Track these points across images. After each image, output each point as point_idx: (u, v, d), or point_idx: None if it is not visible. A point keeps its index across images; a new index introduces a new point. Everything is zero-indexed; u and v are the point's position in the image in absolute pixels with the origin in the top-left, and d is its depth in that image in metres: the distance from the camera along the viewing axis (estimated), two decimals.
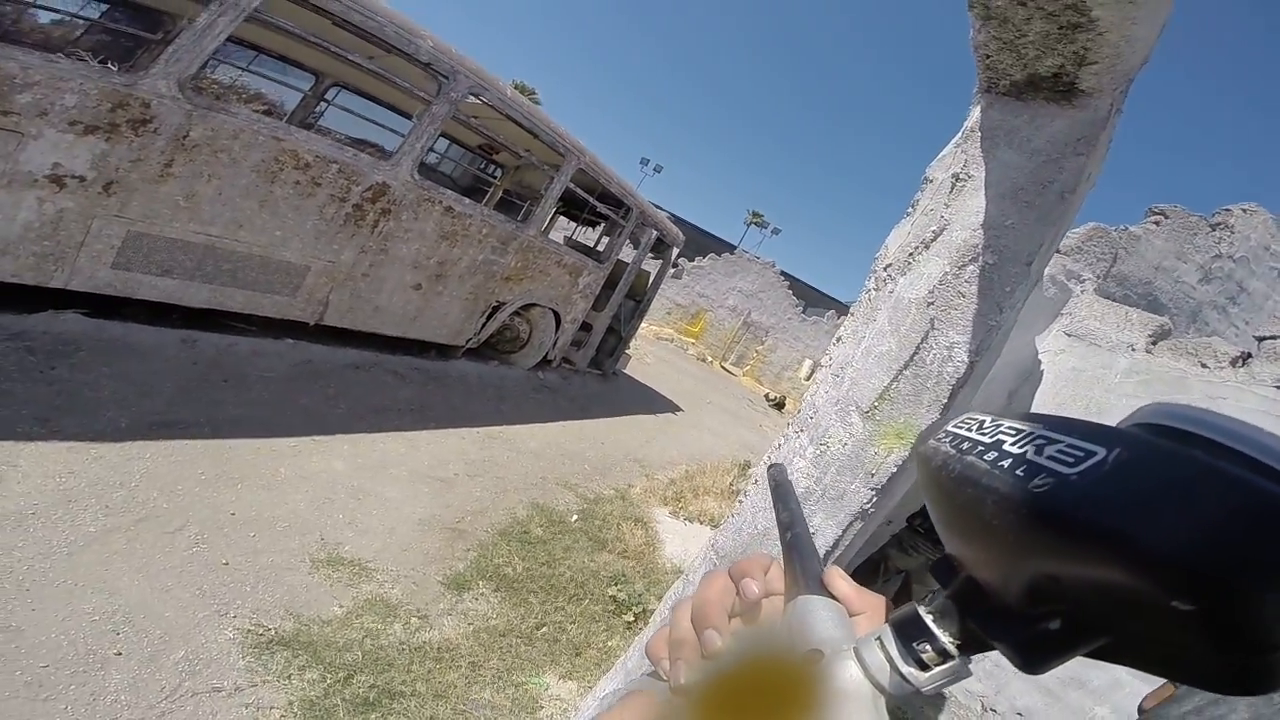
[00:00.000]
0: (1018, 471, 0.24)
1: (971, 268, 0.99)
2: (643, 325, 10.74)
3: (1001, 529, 0.24)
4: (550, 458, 4.39)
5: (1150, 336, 3.73)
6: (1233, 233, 5.27)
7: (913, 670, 0.26)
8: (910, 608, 0.28)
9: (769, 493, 1.41)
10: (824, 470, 1.12)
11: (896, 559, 3.20)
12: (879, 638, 0.27)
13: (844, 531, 1.10)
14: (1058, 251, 4.33)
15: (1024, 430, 0.26)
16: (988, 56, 0.95)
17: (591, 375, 7.45)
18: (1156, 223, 5.13)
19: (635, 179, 59.42)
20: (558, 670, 2.33)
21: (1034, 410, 4.00)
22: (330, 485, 2.82)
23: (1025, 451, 0.24)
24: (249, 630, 1.90)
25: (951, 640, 0.26)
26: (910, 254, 1.09)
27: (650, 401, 8.05)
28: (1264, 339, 3.28)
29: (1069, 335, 3.98)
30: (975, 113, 1.05)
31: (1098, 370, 3.79)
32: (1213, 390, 3.34)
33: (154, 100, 2.84)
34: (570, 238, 8.43)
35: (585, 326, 6.89)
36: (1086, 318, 3.96)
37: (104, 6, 4.31)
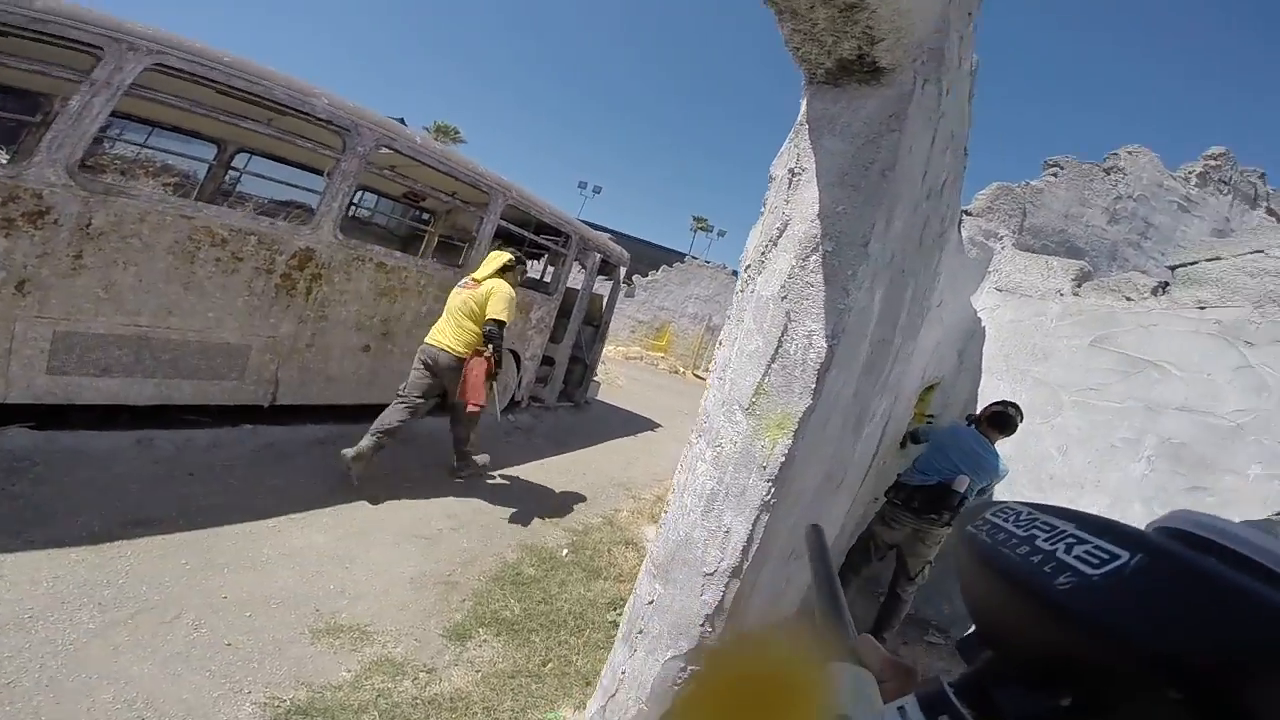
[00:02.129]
0: (1046, 568, 0.26)
1: (814, 258, 1.01)
2: (608, 347, 10.74)
3: (1026, 617, 0.27)
4: (533, 498, 4.33)
5: (1074, 280, 3.86)
6: (1125, 175, 5.53)
7: None
8: (936, 682, 0.30)
9: (695, 504, 1.43)
10: (723, 470, 1.13)
11: (883, 534, 3.25)
12: (902, 707, 0.29)
13: (754, 526, 1.11)
14: (968, 214, 4.48)
15: (1056, 528, 0.29)
16: (797, 49, 0.98)
17: (564, 408, 7.40)
18: (1054, 174, 5.35)
19: (576, 203, 59.69)
20: (571, 702, 2.31)
21: (985, 366, 4.08)
22: (316, 558, 2.80)
23: (1055, 549, 0.27)
24: (265, 704, 1.92)
25: (971, 712, 0.28)
26: (763, 253, 1.11)
27: (627, 423, 8.01)
28: (1176, 267, 3.42)
29: (1000, 290, 4.10)
30: (803, 105, 1.08)
31: (1033, 318, 3.91)
32: (1142, 320, 3.47)
33: (45, 190, 2.76)
34: None
35: (548, 360, 6.85)
36: (1012, 272, 4.08)
37: None
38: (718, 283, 18.21)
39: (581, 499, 4.60)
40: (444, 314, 3.85)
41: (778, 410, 1.06)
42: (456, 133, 39.36)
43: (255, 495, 3.18)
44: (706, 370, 17.72)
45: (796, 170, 1.07)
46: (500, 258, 3.91)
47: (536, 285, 7.05)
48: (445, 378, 3.73)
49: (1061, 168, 5.38)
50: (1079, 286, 3.88)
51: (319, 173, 5.43)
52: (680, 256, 20.86)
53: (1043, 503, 0.31)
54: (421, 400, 3.72)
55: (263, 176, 5.41)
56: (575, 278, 7.27)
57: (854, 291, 1.00)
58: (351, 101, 4.00)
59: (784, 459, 1.06)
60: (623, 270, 7.77)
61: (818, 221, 1.01)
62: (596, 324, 7.76)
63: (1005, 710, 0.27)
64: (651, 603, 1.35)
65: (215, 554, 2.61)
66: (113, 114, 3.05)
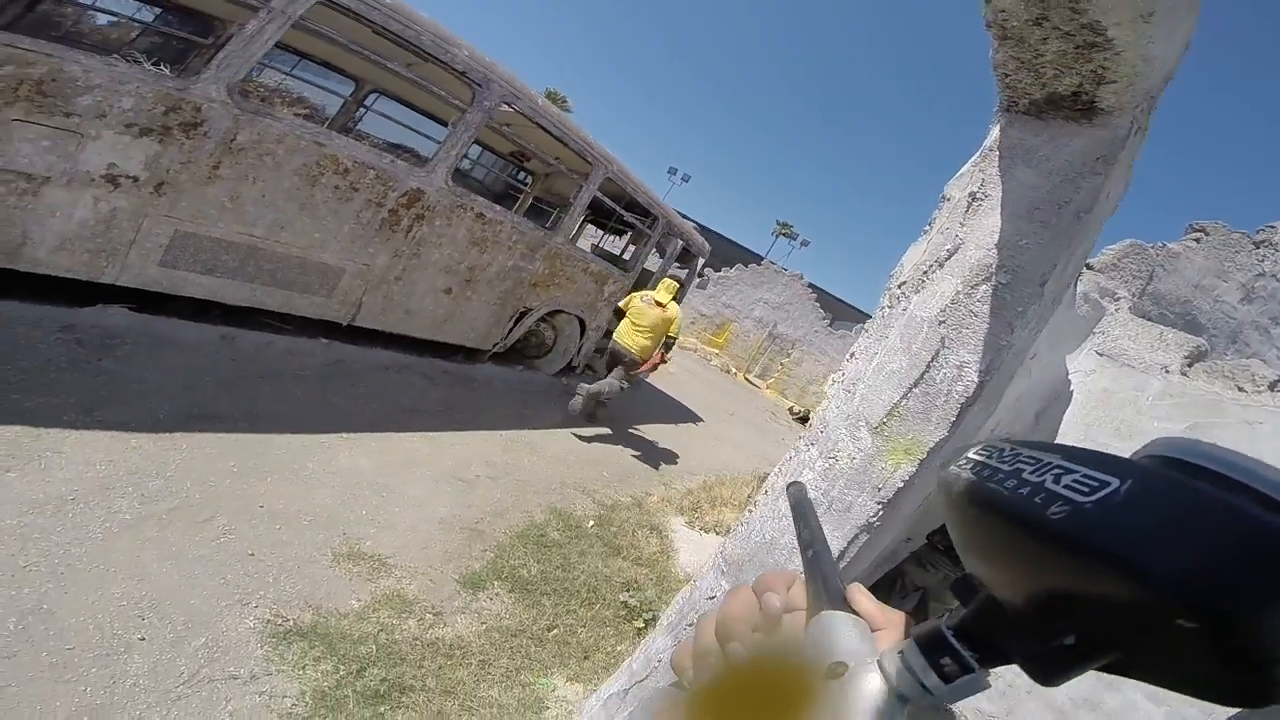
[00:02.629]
0: (1036, 499, 0.25)
1: (984, 287, 0.99)
2: None
3: (1020, 552, 0.26)
4: (570, 464, 4.41)
5: (1186, 358, 3.59)
6: (1277, 250, 5.02)
7: (935, 682, 0.27)
8: (934, 624, 0.29)
9: (788, 509, 1.42)
10: (832, 483, 1.13)
11: (914, 575, 3.16)
12: (902, 651, 0.28)
13: (849, 544, 1.11)
14: (1090, 269, 4.21)
15: (1042, 460, 0.28)
16: (1007, 75, 0.95)
17: None
18: (1197, 240, 4.91)
19: (663, 188, 59.58)
20: (566, 672, 2.34)
21: (1061, 433, 3.89)
22: (356, 482, 2.88)
23: (1044, 480, 0.26)
24: (269, 620, 1.94)
25: (972, 654, 0.27)
26: (925, 272, 1.09)
27: (673, 411, 8.02)
28: None
29: (1101, 355, 3.86)
30: (995, 131, 1.05)
31: (1129, 392, 3.66)
32: (1249, 415, 3.19)
33: (205, 104, 2.97)
34: (597, 245, 8.52)
35: (609, 334, 6.92)
36: (1120, 337, 3.83)
37: (155, 10, 4.48)
38: (791, 291, 17.81)
39: (616, 475, 4.65)
40: (629, 321, 5.20)
41: (909, 435, 1.04)
42: (565, 101, 39.96)
43: (316, 409, 3.32)
44: (760, 377, 17.51)
45: (979, 195, 1.04)
46: (673, 285, 5.28)
47: (615, 260, 7.10)
48: (625, 365, 5.23)
49: (1206, 233, 4.93)
50: (1189, 365, 3.60)
51: (437, 119, 5.63)
52: (757, 258, 20.54)
53: (1026, 439, 0.30)
54: (626, 382, 5.37)
55: (386, 116, 5.64)
56: (654, 260, 7.30)
57: (1019, 329, 0.97)
58: (488, 56, 4.12)
59: (902, 485, 1.04)
60: (700, 261, 7.73)
61: (995, 251, 0.99)
62: None
63: (1007, 651, 0.27)
64: (713, 598, 1.36)
65: (264, 460, 2.69)
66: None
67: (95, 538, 1.92)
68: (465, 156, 7.32)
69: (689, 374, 11.97)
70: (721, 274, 18.17)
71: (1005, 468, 0.28)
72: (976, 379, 0.98)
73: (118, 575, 1.84)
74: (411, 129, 5.46)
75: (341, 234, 3.82)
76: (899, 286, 1.13)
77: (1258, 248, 5.03)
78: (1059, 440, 3.87)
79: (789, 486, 0.47)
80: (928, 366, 1.03)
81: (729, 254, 21.14)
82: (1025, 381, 3.49)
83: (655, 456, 5.65)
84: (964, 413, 1.00)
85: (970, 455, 0.31)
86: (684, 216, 7.33)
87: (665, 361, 5.53)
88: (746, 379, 16.92)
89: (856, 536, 1.10)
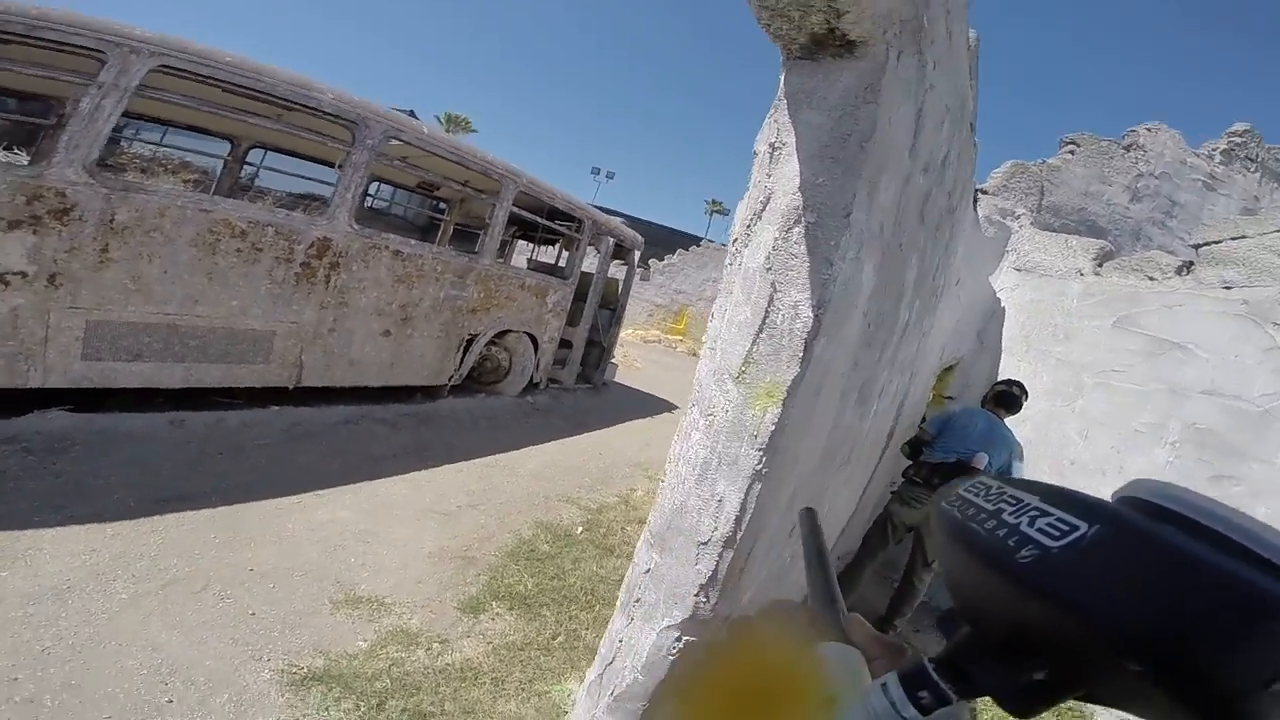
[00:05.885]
0: (1010, 541, 0.27)
1: (797, 229, 1.04)
2: (627, 331, 10.82)
3: (993, 591, 0.27)
4: (550, 476, 4.42)
5: (1095, 259, 3.77)
6: (1146, 152, 5.32)
7: (914, 715, 0.28)
8: (917, 658, 0.31)
9: (694, 476, 1.46)
10: (715, 439, 1.17)
11: (902, 515, 3.23)
12: (885, 684, 0.30)
13: (746, 495, 1.15)
14: (984, 192, 4.39)
15: (1023, 501, 0.29)
16: (768, 25, 1.00)
17: (582, 390, 7.49)
18: (1071, 152, 5.17)
19: (589, 189, 59.50)
20: (578, 676, 2.36)
21: (1006, 347, 4.03)
22: (339, 533, 2.90)
23: (1019, 523, 0.27)
24: (284, 670, 2.00)
25: (950, 686, 0.29)
26: (748, 225, 1.14)
27: (644, 405, 8.06)
28: (1200, 245, 3.32)
29: (1019, 270, 4.03)
30: (781, 81, 1.10)
31: (1054, 298, 3.83)
32: (1167, 299, 3.37)
33: (68, 188, 2.87)
34: (533, 258, 8.52)
35: (565, 344, 6.93)
36: (1031, 251, 4.00)
37: None
38: None
39: (597, 479, 4.67)
40: None
41: (767, 379, 1.09)
42: (467, 123, 39.96)
43: (283, 473, 3.30)
44: None
45: (777, 145, 1.09)
46: None
47: (552, 270, 7.11)
48: None
49: (1078, 145, 5.19)
50: (1100, 266, 3.79)
51: (330, 165, 5.54)
52: (696, 240, 20.77)
53: (1016, 477, 0.32)
54: None
55: (280, 171, 5.54)
56: (590, 262, 7.32)
57: (838, 262, 1.02)
58: (358, 96, 4.07)
59: (774, 428, 1.09)
60: (637, 254, 7.79)
61: (799, 194, 1.04)
62: (613, 307, 7.81)
63: (980, 684, 0.28)
64: (648, 571, 1.39)
65: (244, 529, 2.71)
66: (126, 114, 3.15)
67: (100, 618, 2.00)
68: (376, 196, 7.23)
69: (655, 364, 12.03)
70: (666, 262, 18.27)
71: (988, 507, 0.30)
72: (812, 315, 1.04)
73: (131, 648, 1.91)
74: (311, 179, 5.36)
75: (259, 296, 3.76)
76: (734, 244, 1.19)
77: (1128, 151, 5.32)
78: (1005, 356, 4.04)
79: (800, 514, 0.47)
80: (766, 312, 1.08)
81: (670, 241, 21.26)
82: (958, 307, 3.64)
83: (634, 452, 5.68)
84: (810, 348, 1.05)
85: (960, 492, 0.33)
86: (615, 213, 7.39)
87: None
88: None
89: (749, 487, 1.15)
